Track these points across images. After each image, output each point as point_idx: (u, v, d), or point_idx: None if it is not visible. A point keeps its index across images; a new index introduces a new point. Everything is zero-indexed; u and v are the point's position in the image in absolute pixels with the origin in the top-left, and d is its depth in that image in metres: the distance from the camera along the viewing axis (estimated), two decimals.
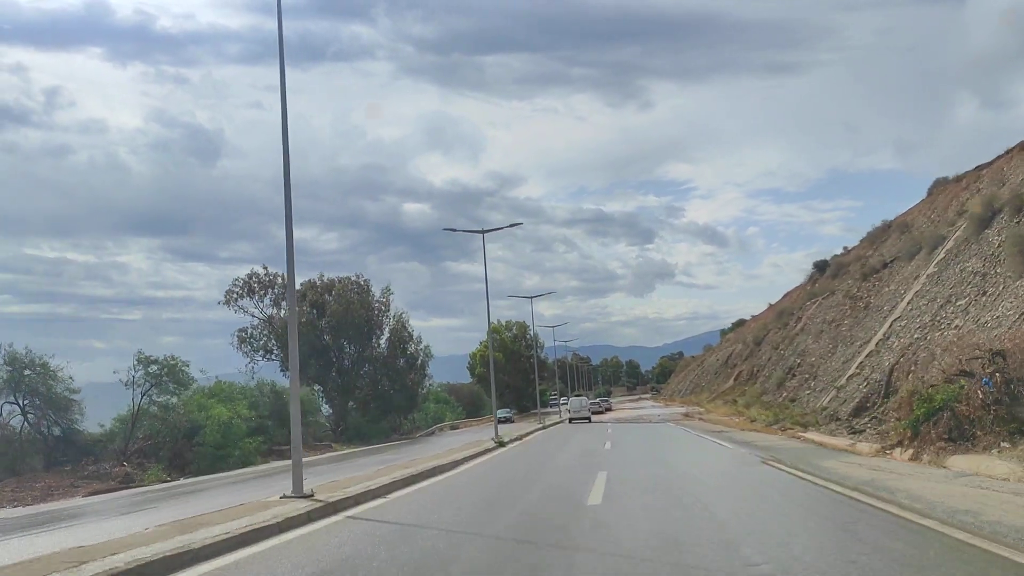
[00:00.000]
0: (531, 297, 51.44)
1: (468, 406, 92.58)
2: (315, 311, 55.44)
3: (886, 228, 60.91)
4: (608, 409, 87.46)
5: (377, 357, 57.18)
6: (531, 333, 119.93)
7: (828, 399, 37.24)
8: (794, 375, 48.61)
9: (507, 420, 65.42)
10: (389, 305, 57.81)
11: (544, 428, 43.78)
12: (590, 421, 55.18)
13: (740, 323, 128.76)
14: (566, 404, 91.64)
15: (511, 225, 43.91)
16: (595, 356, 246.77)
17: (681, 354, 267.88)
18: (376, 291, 58.34)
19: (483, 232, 38.79)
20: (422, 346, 58.30)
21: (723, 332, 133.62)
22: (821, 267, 77.19)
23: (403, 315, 58.23)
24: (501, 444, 29.30)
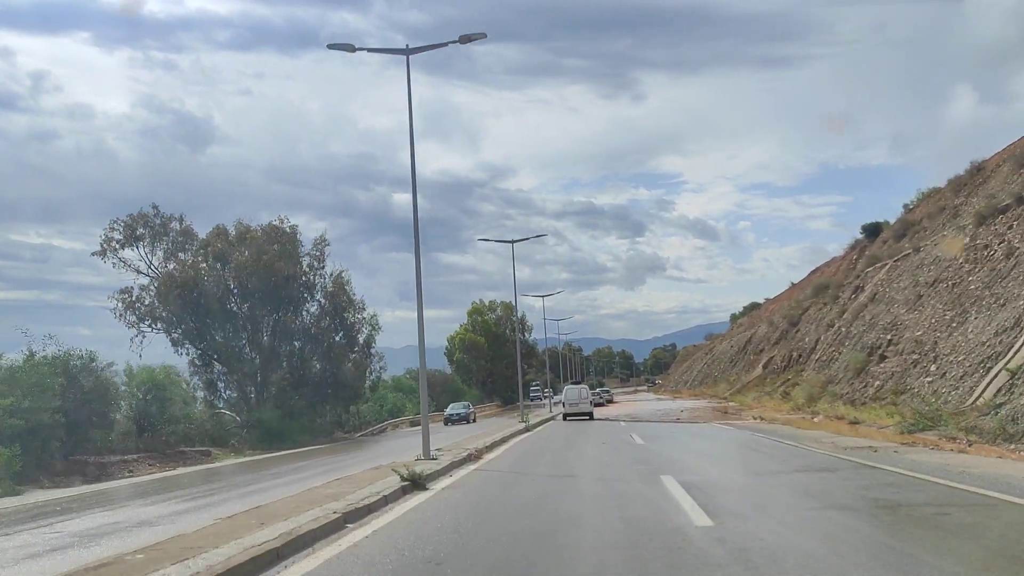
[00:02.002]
0: (512, 242, 36.72)
1: (441, 396, 77.97)
2: (220, 264, 40.72)
3: (974, 171, 47.20)
4: (610, 401, 73.14)
5: (306, 330, 42.55)
6: (517, 314, 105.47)
7: (989, 390, 22.84)
8: (884, 357, 34.28)
9: (460, 419, 50.33)
10: (324, 260, 43.33)
11: (528, 430, 29.28)
12: (592, 418, 40.95)
13: (754, 307, 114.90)
14: (550, 396, 76.35)
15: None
16: (585, 348, 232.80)
17: (674, 346, 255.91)
18: (307, 242, 43.60)
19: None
20: (365, 314, 43.89)
21: (734, 317, 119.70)
22: (872, 231, 63.47)
23: (343, 275, 43.82)
24: (413, 482, 11.80)
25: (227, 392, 41.64)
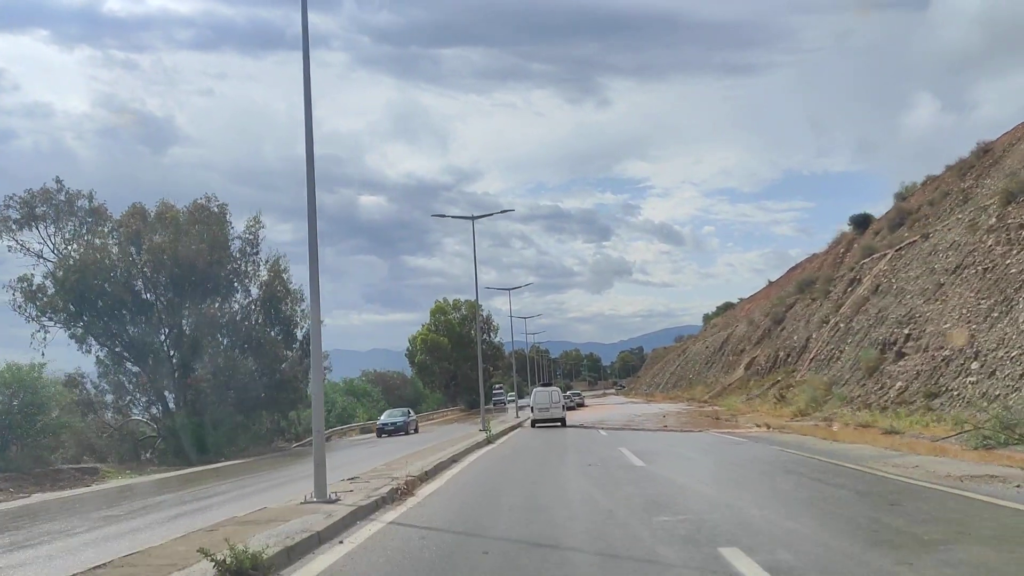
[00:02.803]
0: (473, 218, 31.35)
1: (399, 401, 72.37)
2: (134, 248, 34.85)
3: (981, 153, 43.27)
4: (581, 405, 68.18)
5: (236, 324, 36.85)
6: (478, 302, 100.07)
7: None
8: (903, 354, 29.70)
9: (397, 430, 41.42)
10: (259, 245, 37.62)
11: (490, 441, 23.65)
12: (564, 424, 35.84)
13: (727, 307, 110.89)
14: (516, 401, 70.38)
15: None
16: (553, 351, 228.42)
17: (641, 349, 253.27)
18: (239, 224, 37.90)
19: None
20: (304, 306, 38.21)
21: (707, 317, 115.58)
22: (861, 223, 59.34)
23: (280, 261, 38.13)
24: None
25: (140, 396, 35.77)
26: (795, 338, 50.94)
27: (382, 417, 44.54)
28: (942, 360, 25.88)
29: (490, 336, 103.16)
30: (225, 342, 36.51)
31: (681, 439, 22.12)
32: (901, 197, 57.22)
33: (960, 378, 23.87)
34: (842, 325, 41.13)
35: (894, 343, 31.03)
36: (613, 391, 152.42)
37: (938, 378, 25.31)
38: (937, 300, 30.14)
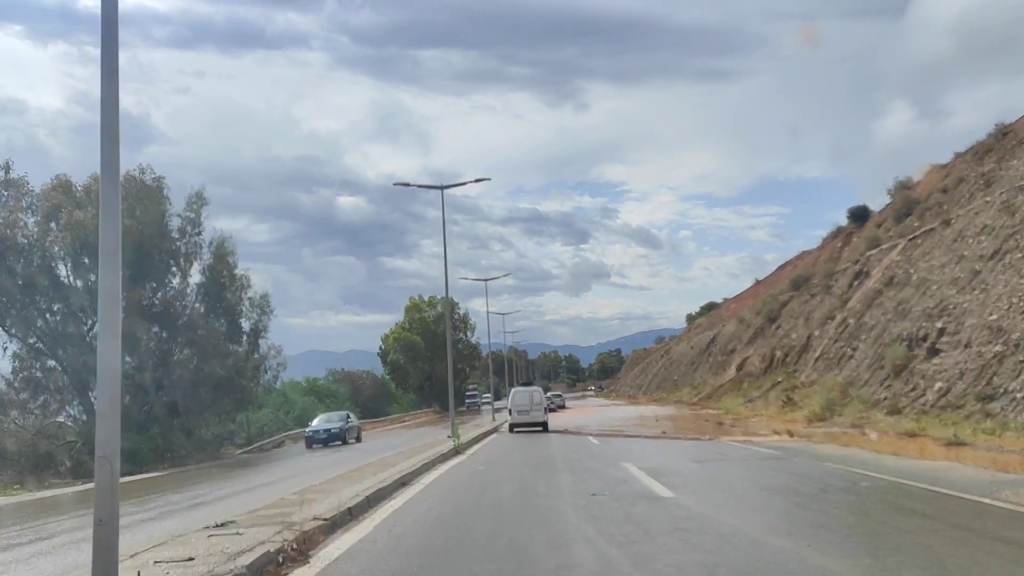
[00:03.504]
0: (442, 187, 27.04)
1: (369, 402, 67.94)
2: (54, 224, 30.18)
3: (1000, 136, 39.88)
4: (562, 407, 64.03)
5: (173, 313, 32.23)
6: (458, 308, 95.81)
7: None
8: (937, 350, 25.89)
9: (332, 439, 32.83)
10: (201, 224, 33.03)
11: (458, 451, 19.05)
12: (546, 429, 31.67)
13: (712, 307, 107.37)
14: (490, 402, 65.13)
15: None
16: (531, 353, 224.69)
17: (619, 351, 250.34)
18: (178, 200, 33.33)
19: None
20: (252, 293, 33.58)
21: (691, 317, 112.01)
22: (859, 216, 55.77)
23: (226, 244, 33.56)
24: None
25: (59, 396, 31.07)
26: (793, 336, 47.21)
27: (313, 423, 34.94)
28: (993, 357, 22.03)
29: (466, 335, 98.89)
30: (160, 333, 31.94)
31: (693, 450, 18.02)
32: (903, 187, 53.93)
33: (1022, 378, 20.03)
34: (851, 321, 37.37)
35: (924, 338, 27.21)
36: (592, 393, 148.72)
37: (990, 377, 21.45)
38: (975, 289, 26.34)
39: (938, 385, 23.65)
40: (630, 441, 22.81)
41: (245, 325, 33.90)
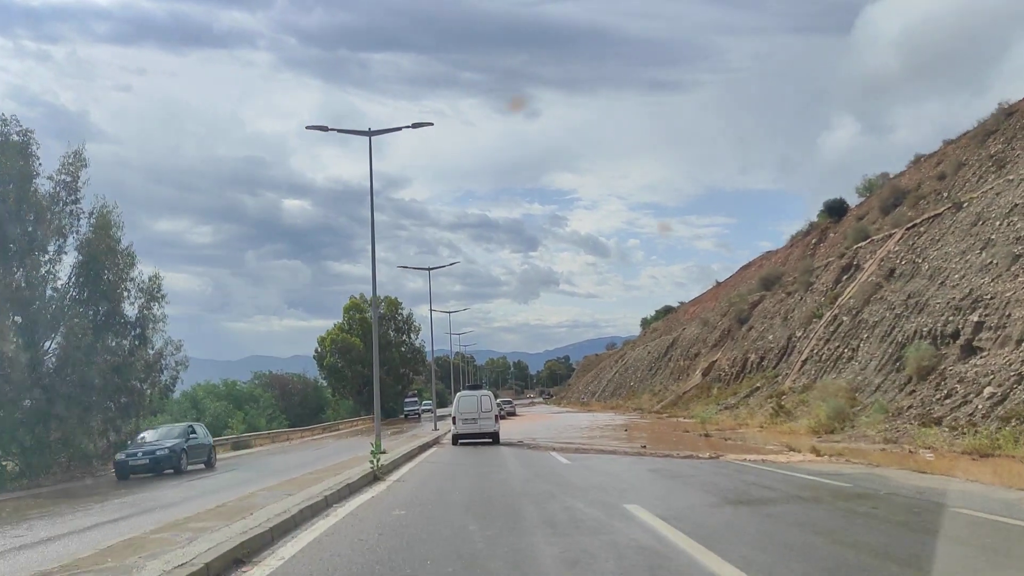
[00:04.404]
0: (370, 134, 21.48)
1: (299, 407, 61.63)
2: None
3: (1004, 116, 36.39)
4: (512, 414, 58.72)
5: (41, 297, 25.92)
6: (402, 309, 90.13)
7: None
8: (975, 348, 21.33)
9: (158, 466, 22.74)
10: (79, 191, 26.78)
11: (377, 478, 12.97)
12: (497, 441, 26.30)
13: (668, 310, 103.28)
14: (431, 410, 57.78)
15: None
16: (479, 360, 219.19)
17: (568, 358, 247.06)
18: (51, 160, 27.07)
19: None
20: (137, 273, 27.35)
21: (646, 321, 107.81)
22: (836, 210, 51.97)
23: (110, 214, 27.24)
24: None
25: None
26: (770, 338, 42.79)
27: (141, 436, 25.28)
28: None
29: (411, 338, 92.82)
30: (24, 324, 25.66)
31: (706, 476, 12.73)
32: (867, 190, 50.28)
33: None
34: (845, 319, 32.95)
35: (954, 335, 22.65)
36: (541, 400, 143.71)
37: None
38: (1018, 276, 21.85)
39: (989, 390, 18.97)
40: (607, 460, 17.57)
41: (129, 311, 27.73)
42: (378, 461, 13.60)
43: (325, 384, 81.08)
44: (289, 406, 58.95)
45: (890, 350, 26.17)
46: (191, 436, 24.70)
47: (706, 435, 25.54)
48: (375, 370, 22.14)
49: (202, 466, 24.99)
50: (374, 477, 13.37)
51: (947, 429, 18.51)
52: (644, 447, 21.27)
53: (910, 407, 21.60)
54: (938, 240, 29.26)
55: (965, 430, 17.82)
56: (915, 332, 24.97)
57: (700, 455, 17.29)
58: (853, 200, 51.66)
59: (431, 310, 50.37)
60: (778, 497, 9.61)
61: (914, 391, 22.34)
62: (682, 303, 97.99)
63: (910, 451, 16.61)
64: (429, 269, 43.22)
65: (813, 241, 53.00)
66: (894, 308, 28.36)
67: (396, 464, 16.70)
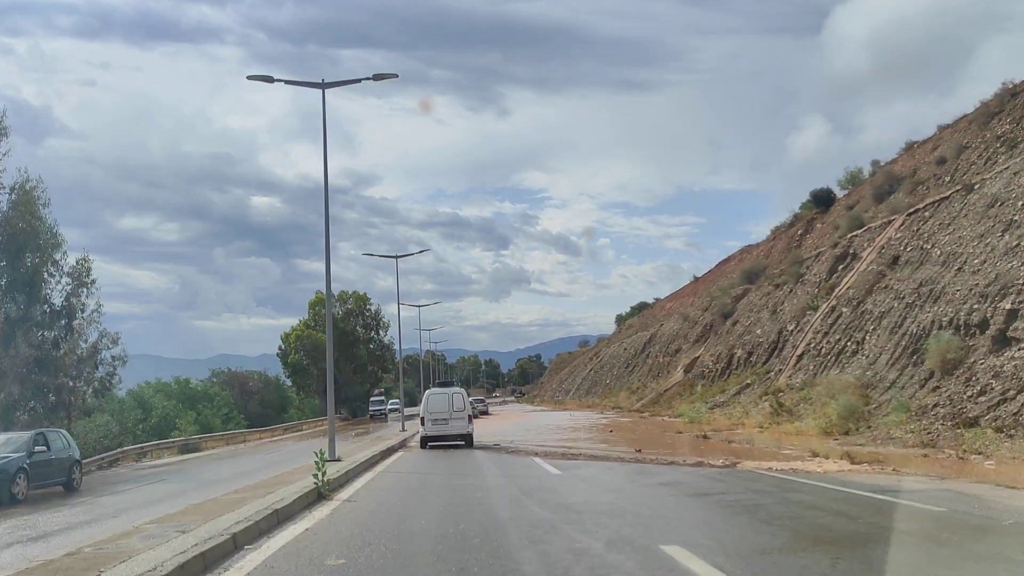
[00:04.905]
0: (323, 86, 18.34)
1: (259, 407, 58.36)
2: None
3: (1008, 96, 34.63)
4: (484, 412, 55.99)
5: None
6: (370, 304, 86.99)
7: None
8: (1010, 339, 19.01)
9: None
10: None
11: (322, 495, 10.61)
12: (470, 445, 23.57)
13: (643, 307, 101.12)
14: (399, 409, 52.88)
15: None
16: (450, 358, 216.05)
17: (539, 357, 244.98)
18: None
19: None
20: (60, 256, 24.00)
21: (621, 318, 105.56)
22: (823, 199, 49.89)
23: (35, 190, 23.89)
24: None
25: None
26: (758, 332, 40.52)
27: None
28: None
29: (379, 334, 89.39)
30: None
31: (746, 492, 10.00)
32: (850, 182, 48.43)
33: None
34: (845, 310, 30.66)
35: (982, 324, 20.30)
36: (513, 399, 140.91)
37: None
38: None
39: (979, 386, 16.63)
40: (604, 468, 14.88)
41: (55, 297, 24.41)
42: (323, 475, 10.73)
43: (290, 383, 77.54)
44: (249, 405, 55.60)
45: (903, 342, 23.85)
46: (36, 449, 17.77)
47: (704, 436, 23.01)
48: (328, 365, 19.22)
49: (60, 488, 18.60)
50: (318, 495, 10.54)
51: (990, 430, 16.14)
52: (639, 451, 18.64)
53: (936, 405, 19.23)
54: (948, 224, 27.04)
55: (1013, 431, 15.45)
56: (932, 322, 22.66)
57: (712, 462, 14.69)
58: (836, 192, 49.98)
59: (399, 304, 47.45)
60: (871, 531, 6.85)
61: (938, 387, 19.98)
62: (658, 299, 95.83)
63: (958, 457, 14.14)
64: (396, 257, 40.34)
65: (799, 232, 50.94)
66: (903, 297, 26.07)
67: (350, 475, 13.86)
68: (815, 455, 15.23)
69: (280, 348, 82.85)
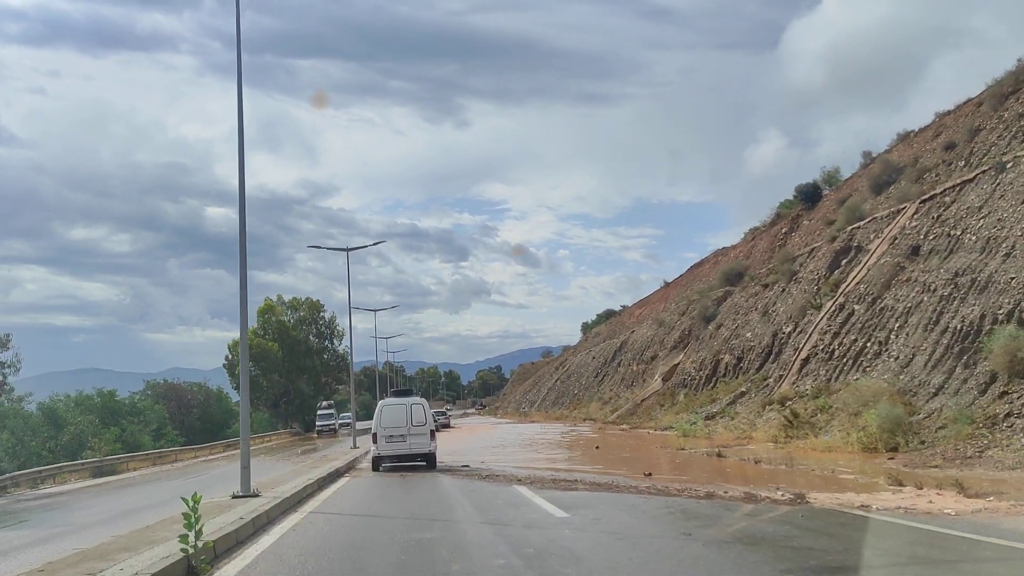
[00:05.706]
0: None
1: (199, 422, 53.25)
2: None
3: (1023, 74, 31.67)
4: (446, 425, 51.64)
5: None
6: (324, 312, 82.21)
7: None
8: None
9: None
10: None
11: (203, 572, 6.20)
12: (433, 466, 19.42)
13: (610, 314, 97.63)
14: (350, 423, 47.58)
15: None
16: (409, 370, 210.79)
17: (500, 368, 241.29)
18: None
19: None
20: None
21: (588, 325, 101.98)
22: (810, 195, 46.78)
23: None
24: None
25: None
26: (748, 335, 37.03)
27: None
28: None
29: (333, 343, 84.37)
30: None
31: (882, 558, 6.38)
32: (827, 182, 45.63)
33: None
34: (857, 307, 27.20)
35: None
36: (474, 411, 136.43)
37: None
38: None
39: None
40: (620, 505, 10.85)
41: None
42: (197, 536, 6.32)
43: (223, 394, 71.76)
44: (188, 420, 50.52)
45: (944, 340, 20.33)
46: None
47: (718, 455, 19.14)
48: (243, 373, 14.93)
49: None
50: (186, 571, 6.30)
51: None
52: (650, 475, 14.69)
53: (1009, 415, 15.62)
54: (980, 207, 23.72)
55: None
56: (983, 316, 19.16)
57: (770, 495, 10.79)
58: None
59: (350, 299, 42.86)
60: None
61: (1007, 392, 16.39)
62: (625, 306, 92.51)
63: None
64: (348, 250, 36.00)
65: (783, 230, 47.79)
66: (934, 289, 22.63)
67: (261, 523, 9.62)
68: (897, 483, 11.42)
69: (227, 358, 77.14)
